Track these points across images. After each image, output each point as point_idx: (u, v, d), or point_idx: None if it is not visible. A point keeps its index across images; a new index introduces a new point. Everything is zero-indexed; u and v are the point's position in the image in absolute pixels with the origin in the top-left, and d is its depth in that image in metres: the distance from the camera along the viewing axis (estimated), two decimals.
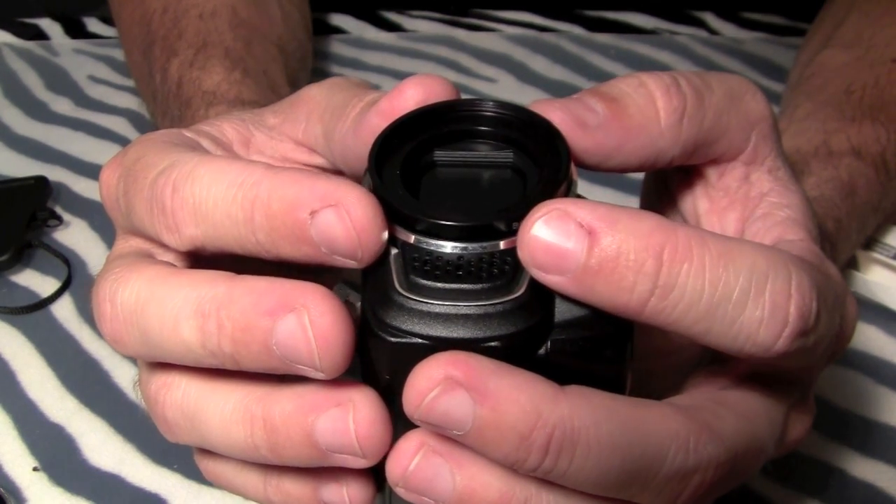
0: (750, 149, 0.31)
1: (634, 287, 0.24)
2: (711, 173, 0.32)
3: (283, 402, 0.26)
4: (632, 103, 0.29)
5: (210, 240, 0.27)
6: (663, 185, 0.34)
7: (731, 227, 0.32)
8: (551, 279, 0.24)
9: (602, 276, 0.24)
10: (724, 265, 0.24)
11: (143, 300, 0.27)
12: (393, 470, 0.26)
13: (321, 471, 0.28)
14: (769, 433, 0.28)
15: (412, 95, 0.29)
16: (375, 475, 0.29)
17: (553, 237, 0.24)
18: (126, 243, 0.31)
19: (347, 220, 0.25)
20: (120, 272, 0.28)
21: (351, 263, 0.26)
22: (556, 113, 0.28)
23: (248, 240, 0.26)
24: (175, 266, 0.29)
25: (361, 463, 0.26)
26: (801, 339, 0.25)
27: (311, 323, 0.24)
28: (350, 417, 0.26)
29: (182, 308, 0.26)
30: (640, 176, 0.37)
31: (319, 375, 0.25)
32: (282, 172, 0.26)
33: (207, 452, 0.30)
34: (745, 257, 0.24)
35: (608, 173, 0.29)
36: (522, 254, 0.24)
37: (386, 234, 0.25)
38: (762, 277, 0.24)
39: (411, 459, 0.25)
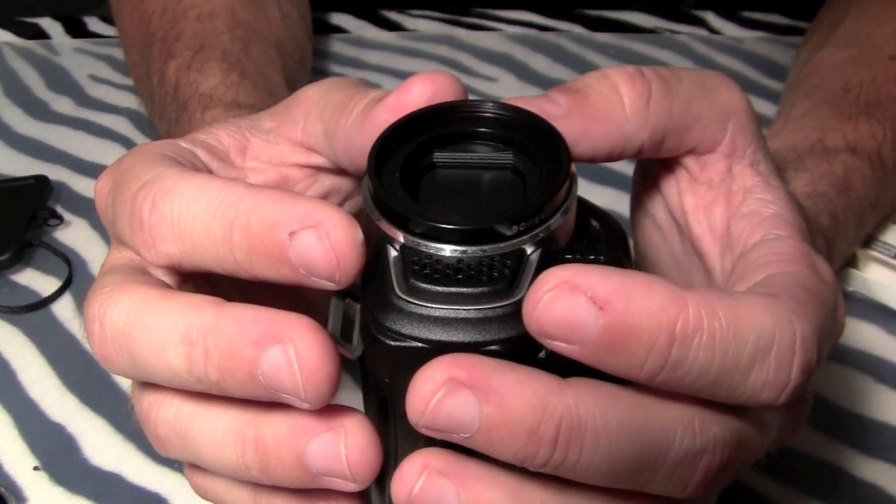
0: (728, 140, 0.31)
1: (645, 363, 0.24)
2: (693, 167, 0.32)
3: (275, 425, 0.26)
4: (594, 92, 0.29)
5: (187, 258, 0.27)
6: (651, 183, 0.35)
7: (717, 223, 0.32)
8: (559, 346, 0.24)
9: (612, 351, 0.24)
10: (733, 334, 0.24)
11: (130, 323, 0.27)
12: (398, 494, 0.26)
13: (312, 489, 0.28)
14: (770, 416, 0.28)
15: (421, 91, 0.29)
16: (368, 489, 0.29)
17: (563, 311, 0.23)
18: (119, 253, 0.31)
19: (327, 242, 0.25)
20: (110, 291, 0.28)
21: (328, 285, 0.26)
22: (519, 106, 0.28)
23: (226, 259, 0.26)
24: (166, 285, 0.29)
25: (351, 487, 0.26)
26: (801, 389, 0.26)
27: (297, 356, 0.24)
28: (341, 443, 0.26)
29: (169, 334, 0.26)
30: None
31: (304, 406, 0.25)
32: (262, 192, 0.26)
33: (198, 467, 0.31)
34: (754, 321, 0.25)
35: (606, 175, 0.30)
36: (530, 324, 0.24)
37: (363, 245, 0.25)
38: (768, 341, 0.25)
39: (415, 482, 0.25)
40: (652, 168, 0.34)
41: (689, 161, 0.32)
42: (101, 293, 0.28)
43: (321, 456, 0.26)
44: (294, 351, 0.24)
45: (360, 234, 0.25)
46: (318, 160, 0.33)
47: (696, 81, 0.30)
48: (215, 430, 0.27)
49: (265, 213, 0.25)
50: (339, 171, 0.34)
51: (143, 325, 0.27)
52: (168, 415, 0.28)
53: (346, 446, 0.26)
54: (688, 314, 0.24)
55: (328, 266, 0.25)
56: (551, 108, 0.29)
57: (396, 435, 0.27)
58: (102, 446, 0.46)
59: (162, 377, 0.27)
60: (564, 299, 0.23)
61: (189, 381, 0.26)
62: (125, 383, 0.49)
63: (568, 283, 0.23)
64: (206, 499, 0.31)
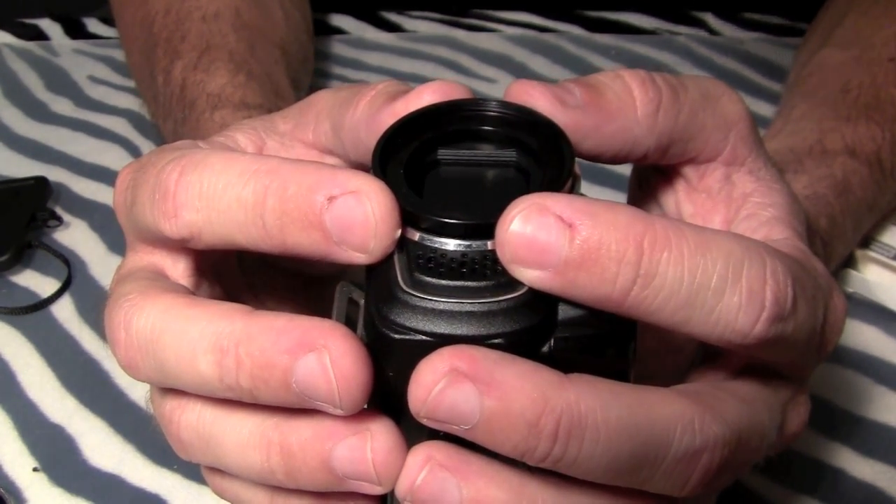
0: (728, 150, 0.31)
1: (617, 277, 0.24)
2: (692, 175, 0.32)
3: (301, 429, 0.26)
4: (609, 90, 0.29)
5: (209, 226, 0.27)
6: (648, 191, 0.35)
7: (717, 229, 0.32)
8: (531, 275, 0.24)
9: (584, 268, 0.24)
10: (701, 253, 0.24)
11: (158, 331, 0.27)
12: (400, 485, 0.26)
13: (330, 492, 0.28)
14: (769, 418, 0.28)
15: (430, 101, 0.29)
16: None
17: (533, 231, 0.24)
18: (136, 255, 0.31)
19: (368, 207, 0.25)
20: (134, 298, 0.28)
21: (357, 257, 0.25)
22: (536, 90, 0.28)
23: (253, 224, 0.26)
24: (189, 291, 0.29)
25: (377, 490, 0.26)
26: (778, 324, 0.25)
27: (332, 363, 0.24)
28: (368, 446, 0.26)
29: (199, 342, 0.26)
30: None
31: (338, 412, 0.25)
32: (300, 161, 0.26)
33: (218, 469, 0.31)
34: (721, 245, 0.25)
35: (607, 176, 0.30)
36: (501, 250, 0.24)
37: (399, 232, 0.25)
38: (738, 264, 0.25)
39: (418, 475, 0.25)
40: (648, 177, 0.34)
41: (688, 170, 0.32)
42: (126, 300, 0.28)
43: (347, 459, 0.26)
44: (329, 358, 0.24)
45: (398, 208, 0.25)
46: (332, 161, 0.34)
47: (700, 91, 0.31)
48: (239, 434, 0.27)
49: (304, 178, 0.25)
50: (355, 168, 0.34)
51: (171, 334, 0.27)
52: (191, 419, 0.28)
53: (372, 450, 0.26)
54: (655, 230, 0.24)
55: (365, 232, 0.25)
56: (567, 97, 0.29)
57: (400, 428, 0.27)
58: (102, 447, 0.46)
59: (190, 385, 0.27)
60: (535, 219, 0.24)
61: (219, 388, 0.26)
62: (124, 384, 0.49)
63: (536, 204, 0.24)
64: (222, 497, 0.32)
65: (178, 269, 0.30)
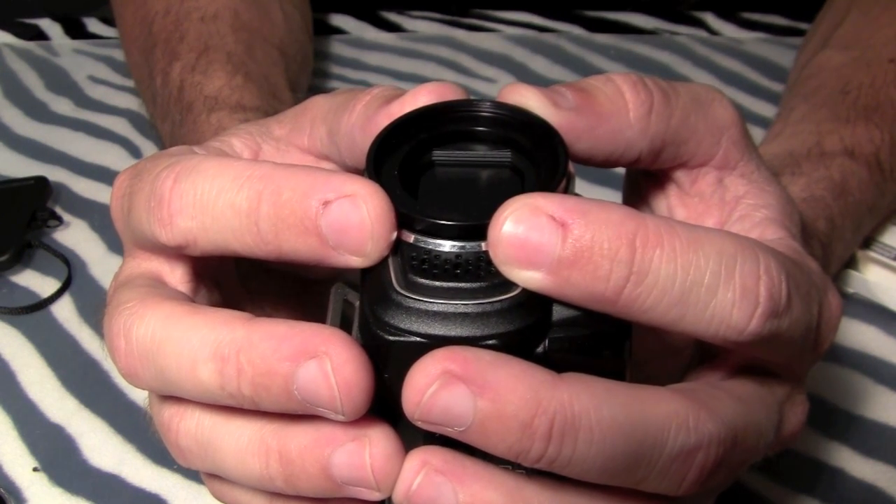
0: (720, 154, 0.31)
1: (610, 275, 0.24)
2: (684, 180, 0.32)
3: (300, 436, 0.26)
4: (600, 93, 0.29)
5: (204, 233, 0.27)
6: (640, 197, 0.35)
7: None
8: (525, 275, 0.24)
9: (578, 266, 0.24)
10: (693, 250, 0.24)
11: (158, 339, 0.27)
12: (396, 490, 0.26)
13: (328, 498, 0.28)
14: (766, 417, 0.28)
15: (426, 102, 0.29)
16: None
17: (525, 232, 0.24)
18: (133, 262, 0.31)
19: (363, 210, 0.25)
20: (133, 306, 0.28)
21: (354, 261, 0.25)
22: (528, 91, 0.28)
23: (248, 231, 0.26)
24: (189, 298, 0.29)
25: (376, 496, 0.26)
26: (772, 320, 0.25)
27: (333, 370, 0.24)
28: (366, 452, 0.26)
29: (200, 350, 0.26)
30: None
31: (340, 418, 0.25)
32: (293, 166, 0.26)
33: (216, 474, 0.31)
34: (714, 242, 0.25)
35: (604, 176, 0.29)
36: (494, 252, 0.24)
37: (395, 235, 0.25)
38: (731, 260, 0.25)
39: (414, 479, 0.25)
40: (640, 182, 0.34)
41: (680, 174, 0.32)
42: (125, 308, 0.28)
43: (346, 465, 0.26)
44: (331, 365, 0.24)
45: (393, 210, 0.25)
46: (327, 167, 0.34)
47: (691, 96, 0.31)
48: (238, 441, 0.27)
49: (298, 182, 0.25)
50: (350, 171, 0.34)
51: (171, 342, 0.27)
52: (190, 426, 0.28)
53: (370, 455, 0.26)
54: (647, 228, 0.24)
55: (362, 236, 0.25)
56: (559, 100, 0.29)
57: (397, 430, 0.27)
58: (102, 447, 0.46)
59: (191, 392, 0.27)
60: (527, 220, 0.24)
61: (220, 396, 0.26)
62: (124, 384, 0.49)
63: (528, 204, 0.24)
64: (222, 501, 0.32)
65: (176, 275, 0.30)
